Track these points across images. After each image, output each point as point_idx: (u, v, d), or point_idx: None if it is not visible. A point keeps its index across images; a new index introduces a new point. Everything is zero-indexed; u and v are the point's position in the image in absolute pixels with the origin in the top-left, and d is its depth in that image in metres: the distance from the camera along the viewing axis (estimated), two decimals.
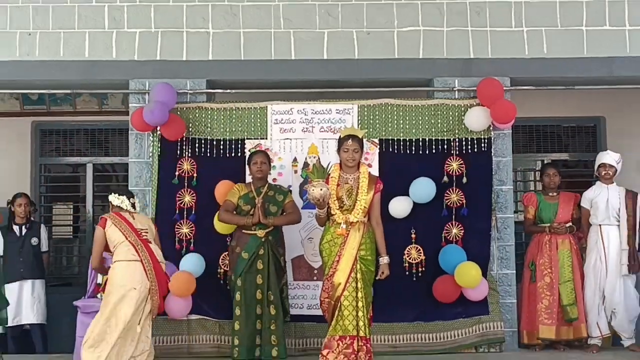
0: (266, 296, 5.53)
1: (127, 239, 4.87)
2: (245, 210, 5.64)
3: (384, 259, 5.03)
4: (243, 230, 5.62)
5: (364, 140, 5.52)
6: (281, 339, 5.59)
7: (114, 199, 5.13)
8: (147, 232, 5.07)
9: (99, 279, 5.83)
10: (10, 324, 6.40)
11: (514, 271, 6.35)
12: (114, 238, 4.89)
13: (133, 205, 5.17)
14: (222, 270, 6.11)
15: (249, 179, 6.02)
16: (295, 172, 6.23)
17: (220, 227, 5.97)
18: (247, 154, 6.16)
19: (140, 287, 4.82)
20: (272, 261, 5.58)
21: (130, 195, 5.24)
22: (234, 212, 5.68)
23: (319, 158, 6.22)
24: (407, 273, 6.04)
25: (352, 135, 5.08)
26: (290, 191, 5.89)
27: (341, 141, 5.09)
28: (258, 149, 6.11)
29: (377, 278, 5.09)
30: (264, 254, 5.54)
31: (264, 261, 5.54)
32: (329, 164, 5.88)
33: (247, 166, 5.94)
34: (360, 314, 4.82)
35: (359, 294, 4.84)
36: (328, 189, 4.86)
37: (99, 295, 5.70)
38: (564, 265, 6.14)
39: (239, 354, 5.47)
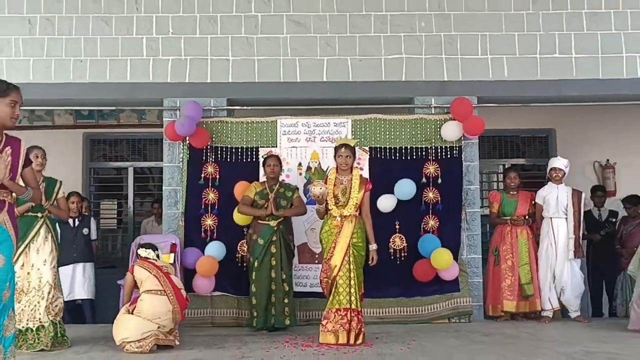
0: (280, 275, 5.59)
1: (151, 273, 4.89)
2: (260, 204, 5.69)
3: (373, 246, 5.11)
4: (259, 221, 5.67)
5: (356, 148, 5.56)
6: (292, 310, 5.68)
7: (142, 252, 5.19)
8: (167, 268, 5.12)
9: None
10: (65, 299, 6.32)
11: (480, 256, 6.43)
12: (141, 275, 4.94)
13: (157, 257, 5.20)
14: (240, 255, 6.14)
15: (262, 178, 6.06)
16: (300, 174, 6.30)
17: (238, 219, 5.98)
18: (261, 159, 6.15)
19: (164, 318, 4.82)
20: (283, 246, 5.64)
21: (155, 248, 5.25)
22: (252, 206, 5.74)
23: (319, 163, 6.29)
24: (392, 257, 6.10)
25: (345, 144, 5.17)
26: (298, 188, 5.92)
27: (336, 149, 5.16)
28: (272, 153, 6.11)
29: (368, 263, 5.14)
30: (277, 240, 5.61)
31: (277, 246, 5.61)
32: (327, 168, 5.95)
33: (262, 168, 5.99)
34: (352, 290, 4.88)
35: (352, 274, 4.91)
36: (326, 188, 4.99)
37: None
38: (522, 251, 6.25)
39: (257, 323, 5.57)
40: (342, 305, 4.88)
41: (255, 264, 5.64)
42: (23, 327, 4.74)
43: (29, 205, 4.71)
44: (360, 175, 5.17)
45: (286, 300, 5.63)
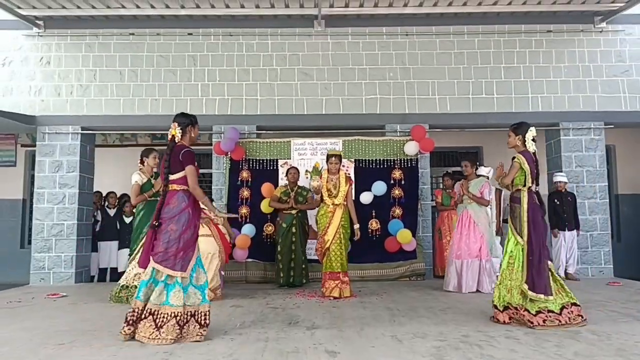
0: (298, 248, 5.58)
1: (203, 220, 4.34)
2: (284, 199, 5.72)
3: (357, 225, 4.94)
4: (284, 212, 5.71)
5: (344, 159, 5.59)
6: (306, 273, 5.71)
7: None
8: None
9: None
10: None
11: (430, 234, 6.46)
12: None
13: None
14: (265, 234, 6.10)
15: (283, 182, 6.07)
16: (307, 178, 6.22)
17: (264, 208, 6.01)
18: (281, 168, 6.19)
19: (214, 252, 4.57)
20: (300, 228, 5.66)
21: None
22: (278, 201, 5.75)
23: (320, 167, 6.15)
24: (370, 235, 6.09)
25: (334, 154, 5.00)
26: (311, 191, 5.60)
27: (328, 157, 4.99)
28: (291, 165, 6.11)
29: (354, 239, 5.01)
30: (296, 224, 5.63)
31: (296, 228, 5.63)
32: (321, 168, 5.95)
33: (285, 175, 5.91)
34: (341, 258, 4.79)
35: (342, 247, 4.81)
36: (321, 182, 4.92)
37: None
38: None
39: (283, 281, 5.56)
40: (334, 270, 4.79)
41: (280, 240, 5.67)
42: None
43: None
44: (345, 175, 5.01)
45: (303, 266, 5.66)
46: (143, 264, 3.16)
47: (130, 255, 4.86)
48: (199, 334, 3.08)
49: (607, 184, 6.56)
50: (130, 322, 3.08)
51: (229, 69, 6.49)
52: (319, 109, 6.45)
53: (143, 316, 3.07)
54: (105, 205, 6.92)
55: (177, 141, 3.35)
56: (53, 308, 4.44)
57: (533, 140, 3.75)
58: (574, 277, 6.07)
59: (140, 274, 3.29)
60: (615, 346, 2.91)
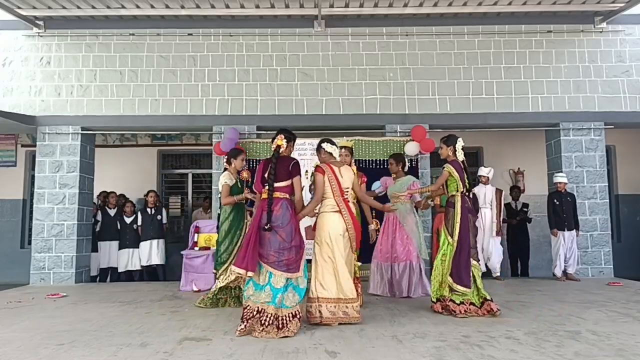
0: None
1: (334, 197, 3.66)
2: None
3: (371, 226, 4.56)
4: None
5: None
6: None
7: (327, 146, 3.80)
8: (348, 191, 3.74)
9: (195, 237, 5.77)
10: (145, 264, 6.57)
11: (430, 234, 6.30)
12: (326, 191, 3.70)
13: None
14: None
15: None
16: (307, 178, 6.10)
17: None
18: None
19: (344, 233, 3.64)
20: None
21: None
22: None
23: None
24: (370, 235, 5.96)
25: (345, 145, 4.60)
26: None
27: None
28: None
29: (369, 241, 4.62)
30: None
31: None
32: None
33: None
34: (354, 262, 4.15)
35: (352, 249, 4.09)
36: None
37: (196, 249, 5.67)
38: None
39: None
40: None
41: None
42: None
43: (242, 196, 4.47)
44: (357, 169, 4.44)
45: None
46: (251, 267, 3.26)
47: (220, 258, 4.39)
48: (296, 329, 3.28)
49: (607, 184, 6.54)
50: (245, 319, 3.27)
51: (229, 69, 6.48)
52: (319, 109, 6.43)
53: (265, 319, 3.22)
54: (106, 205, 6.93)
55: (281, 152, 3.57)
56: (53, 308, 4.44)
57: (462, 149, 4.19)
58: (574, 278, 6.06)
59: (241, 275, 3.31)
60: (615, 346, 2.91)
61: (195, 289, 5.39)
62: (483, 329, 3.37)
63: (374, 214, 4.92)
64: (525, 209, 7.22)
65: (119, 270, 6.67)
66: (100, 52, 6.51)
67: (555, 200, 6.13)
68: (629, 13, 6.46)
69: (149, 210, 6.73)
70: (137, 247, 6.64)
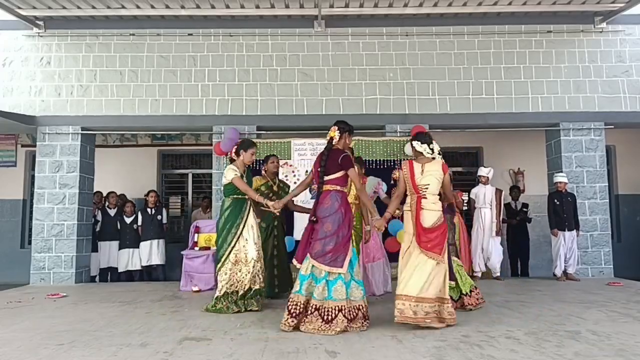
0: (283, 251, 4.97)
1: (409, 194, 3.59)
2: (265, 193, 4.89)
3: (367, 227, 4.31)
4: (262, 208, 4.54)
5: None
6: (293, 279, 5.01)
7: (417, 145, 3.62)
8: (427, 188, 3.52)
9: (196, 237, 5.75)
10: (145, 264, 6.55)
11: None
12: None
13: (432, 150, 3.63)
14: None
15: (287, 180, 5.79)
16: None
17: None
18: (281, 169, 5.80)
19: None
20: (281, 228, 5.01)
21: (431, 142, 3.62)
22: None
23: None
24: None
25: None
26: (289, 186, 5.22)
27: None
28: (272, 153, 5.57)
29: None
30: (277, 224, 4.94)
31: (277, 230, 4.93)
32: None
33: (264, 163, 5.27)
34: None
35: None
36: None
37: (196, 249, 5.66)
38: (456, 231, 6.09)
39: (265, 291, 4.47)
40: None
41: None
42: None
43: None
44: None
45: (289, 272, 4.96)
46: (301, 259, 3.39)
47: (217, 257, 4.22)
48: (364, 325, 3.32)
49: (607, 184, 6.54)
50: (294, 314, 3.27)
51: (229, 70, 6.47)
52: (319, 110, 6.41)
53: (309, 311, 3.26)
54: (106, 205, 6.93)
55: (334, 143, 3.53)
56: (53, 308, 4.43)
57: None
58: (574, 278, 6.06)
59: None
60: (615, 346, 2.91)
61: (195, 289, 5.38)
62: (483, 329, 3.37)
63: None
64: (525, 209, 7.22)
65: (119, 270, 6.66)
66: (101, 52, 6.51)
67: (555, 200, 6.13)
68: (629, 13, 6.45)
69: (149, 210, 6.73)
70: (137, 247, 6.64)
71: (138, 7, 6.20)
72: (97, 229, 6.75)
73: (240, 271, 4.10)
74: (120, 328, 3.52)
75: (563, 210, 6.06)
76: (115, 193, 7.08)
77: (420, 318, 3.33)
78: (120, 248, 6.70)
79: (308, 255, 3.36)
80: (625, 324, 3.53)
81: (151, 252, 6.60)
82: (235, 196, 4.20)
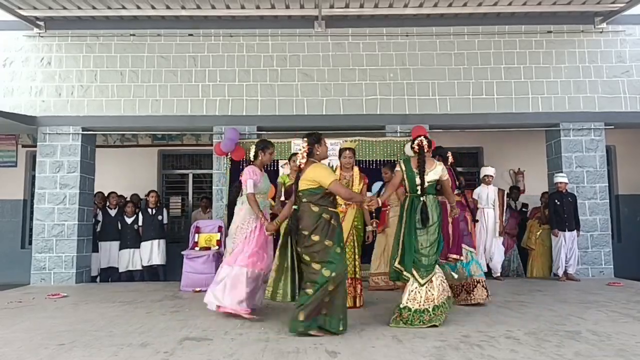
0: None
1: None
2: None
3: (369, 228, 4.66)
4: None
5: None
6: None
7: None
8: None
9: (196, 238, 5.77)
10: (145, 264, 6.55)
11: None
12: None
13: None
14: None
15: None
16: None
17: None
18: (281, 169, 6.08)
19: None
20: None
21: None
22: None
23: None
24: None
25: (349, 147, 4.54)
26: None
27: (341, 151, 4.55)
28: (295, 152, 5.45)
29: (365, 242, 4.69)
30: (293, 223, 4.90)
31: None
32: (333, 166, 5.21)
33: (288, 161, 5.47)
34: (356, 263, 4.29)
35: (355, 250, 4.32)
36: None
37: (196, 249, 5.68)
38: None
39: (289, 294, 4.12)
40: (349, 275, 4.08)
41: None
42: None
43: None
44: (360, 172, 4.56)
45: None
46: (457, 251, 4.34)
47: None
48: (485, 297, 4.25)
49: (607, 184, 6.54)
50: (456, 294, 4.27)
51: (229, 70, 6.47)
52: (320, 110, 6.42)
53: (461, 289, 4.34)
54: (106, 205, 6.92)
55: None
56: (54, 308, 4.43)
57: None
58: (574, 278, 6.05)
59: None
60: (615, 347, 2.91)
61: (195, 289, 5.37)
62: (483, 329, 3.37)
63: (373, 215, 4.98)
64: (525, 209, 7.21)
65: (120, 271, 6.66)
66: (101, 53, 6.52)
67: (556, 201, 6.13)
68: (629, 13, 6.47)
69: (149, 210, 6.73)
70: (138, 247, 6.64)
71: (139, 7, 6.21)
72: (98, 229, 6.76)
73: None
74: (120, 328, 3.52)
75: (563, 211, 6.05)
76: (116, 193, 7.07)
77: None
78: (120, 248, 6.70)
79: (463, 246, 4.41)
80: (626, 324, 3.53)
81: (152, 252, 6.59)
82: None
